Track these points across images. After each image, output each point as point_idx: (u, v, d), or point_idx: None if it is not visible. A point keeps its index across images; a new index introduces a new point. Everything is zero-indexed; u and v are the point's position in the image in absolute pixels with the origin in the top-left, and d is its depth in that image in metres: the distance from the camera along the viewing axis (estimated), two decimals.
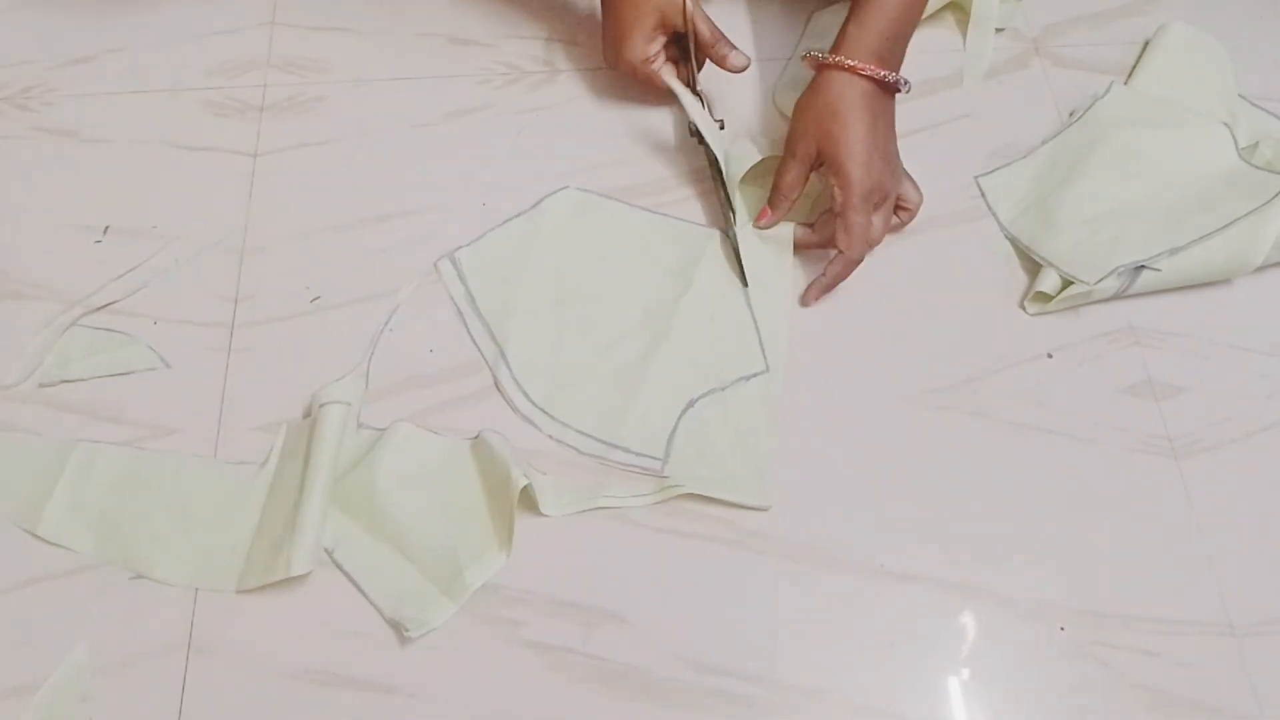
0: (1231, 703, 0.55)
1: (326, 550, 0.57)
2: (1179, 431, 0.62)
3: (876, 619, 0.57)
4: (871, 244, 0.64)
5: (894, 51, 0.64)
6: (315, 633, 0.56)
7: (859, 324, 0.66)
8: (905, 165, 0.66)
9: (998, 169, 0.71)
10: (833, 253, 0.65)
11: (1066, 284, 0.65)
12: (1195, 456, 0.61)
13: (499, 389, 0.62)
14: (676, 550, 0.58)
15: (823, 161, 0.63)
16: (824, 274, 0.65)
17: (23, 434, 0.61)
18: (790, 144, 0.64)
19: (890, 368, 0.64)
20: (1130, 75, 0.76)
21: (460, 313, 0.65)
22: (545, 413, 0.61)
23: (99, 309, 0.65)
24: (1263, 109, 0.74)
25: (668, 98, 0.71)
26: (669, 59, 0.70)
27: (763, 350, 0.64)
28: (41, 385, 0.63)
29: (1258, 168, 0.69)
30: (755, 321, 0.64)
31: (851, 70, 0.62)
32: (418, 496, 0.58)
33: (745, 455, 0.60)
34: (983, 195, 0.70)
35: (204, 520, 0.58)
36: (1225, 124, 0.71)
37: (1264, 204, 0.65)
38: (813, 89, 0.63)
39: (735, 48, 0.69)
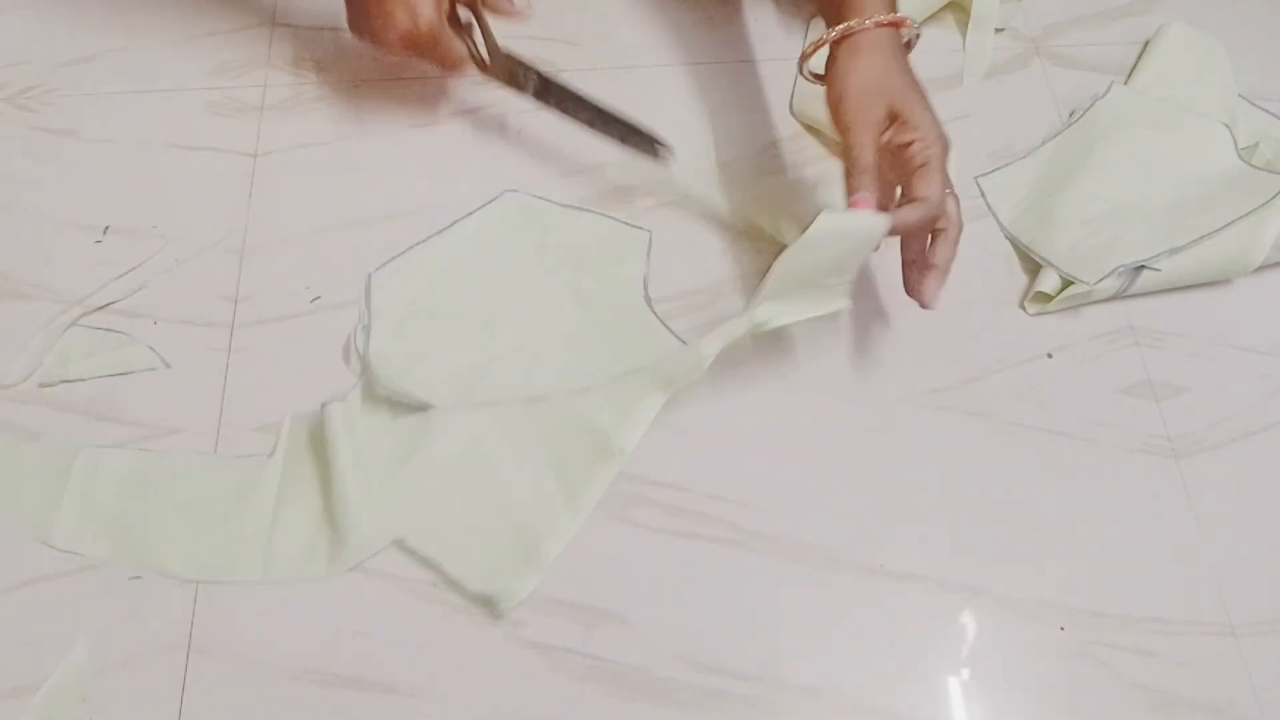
0: (1231, 703, 0.55)
1: (398, 541, 0.58)
2: (1179, 431, 0.62)
3: (876, 619, 0.57)
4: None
5: (895, 7, 0.59)
6: (315, 633, 0.56)
7: (858, 324, 0.66)
8: None
9: (998, 169, 0.71)
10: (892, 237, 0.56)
11: (1066, 284, 0.65)
12: (1195, 456, 0.61)
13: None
14: (676, 550, 0.58)
15: (891, 123, 0.55)
16: (933, 255, 0.56)
17: (25, 437, 0.61)
18: (852, 118, 0.55)
19: (890, 368, 0.64)
20: (1130, 75, 0.76)
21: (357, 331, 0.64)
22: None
23: (99, 309, 0.65)
24: (1263, 109, 0.74)
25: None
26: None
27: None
28: (42, 385, 0.63)
29: (1257, 168, 0.69)
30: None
31: (885, 26, 0.56)
32: (480, 471, 0.59)
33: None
34: (982, 195, 0.71)
35: (215, 514, 0.58)
36: (1225, 124, 0.71)
37: (1264, 204, 0.65)
38: (845, 58, 0.57)
39: None
